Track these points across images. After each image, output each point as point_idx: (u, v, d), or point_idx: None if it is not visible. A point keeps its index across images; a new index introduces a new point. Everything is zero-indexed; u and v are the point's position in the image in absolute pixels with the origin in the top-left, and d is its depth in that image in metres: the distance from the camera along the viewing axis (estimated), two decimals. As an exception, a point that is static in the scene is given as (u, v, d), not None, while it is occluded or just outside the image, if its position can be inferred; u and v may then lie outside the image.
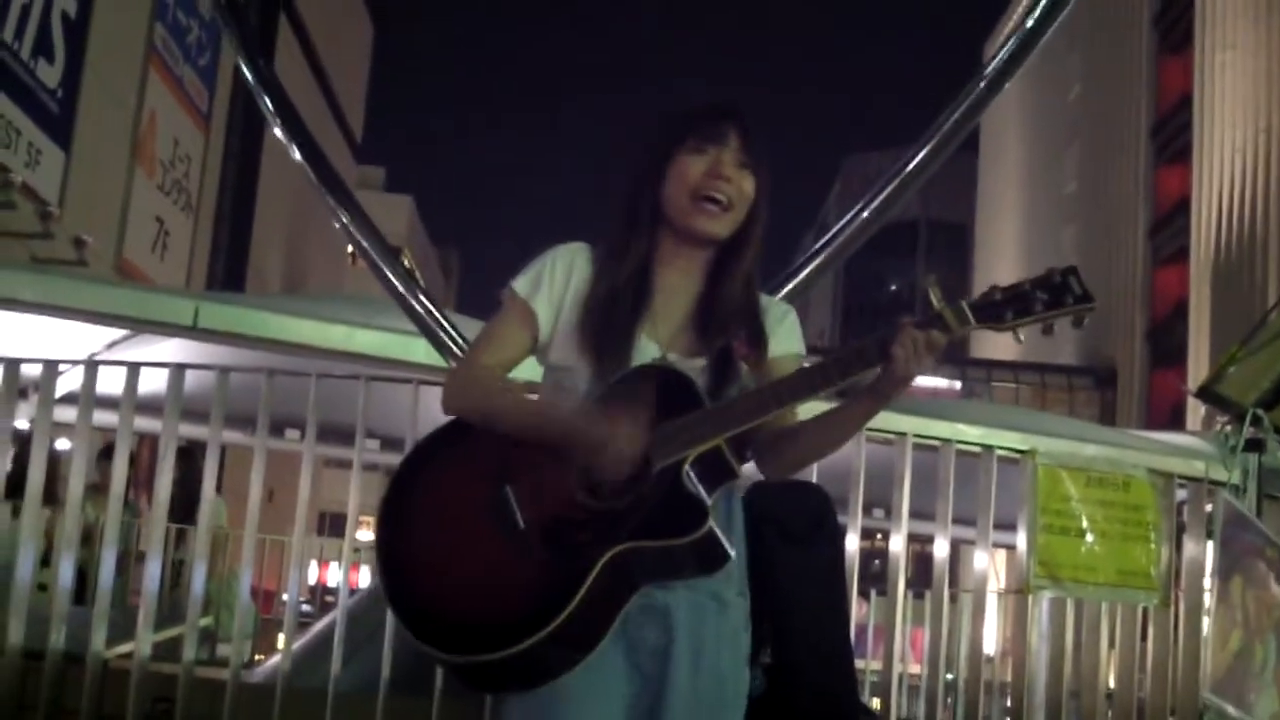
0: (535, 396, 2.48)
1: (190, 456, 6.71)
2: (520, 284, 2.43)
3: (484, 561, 2.20)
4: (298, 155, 4.87)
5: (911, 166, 4.53)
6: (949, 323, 2.19)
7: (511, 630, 2.11)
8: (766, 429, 2.28)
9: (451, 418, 2.38)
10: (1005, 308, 2.20)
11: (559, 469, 2.21)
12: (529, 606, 2.12)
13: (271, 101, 5.00)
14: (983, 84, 4.50)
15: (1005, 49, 4.54)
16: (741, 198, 2.37)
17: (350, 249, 5.31)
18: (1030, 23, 4.52)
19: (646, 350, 2.35)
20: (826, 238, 4.73)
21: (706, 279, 2.44)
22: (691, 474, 2.19)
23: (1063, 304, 2.19)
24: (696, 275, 2.44)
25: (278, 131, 4.97)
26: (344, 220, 4.74)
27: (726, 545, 2.19)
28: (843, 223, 4.70)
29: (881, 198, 4.59)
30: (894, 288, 58.40)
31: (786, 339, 2.47)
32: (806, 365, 2.33)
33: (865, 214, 4.61)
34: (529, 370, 2.51)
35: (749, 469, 2.34)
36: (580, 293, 2.40)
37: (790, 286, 4.55)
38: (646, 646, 2.26)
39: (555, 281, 2.42)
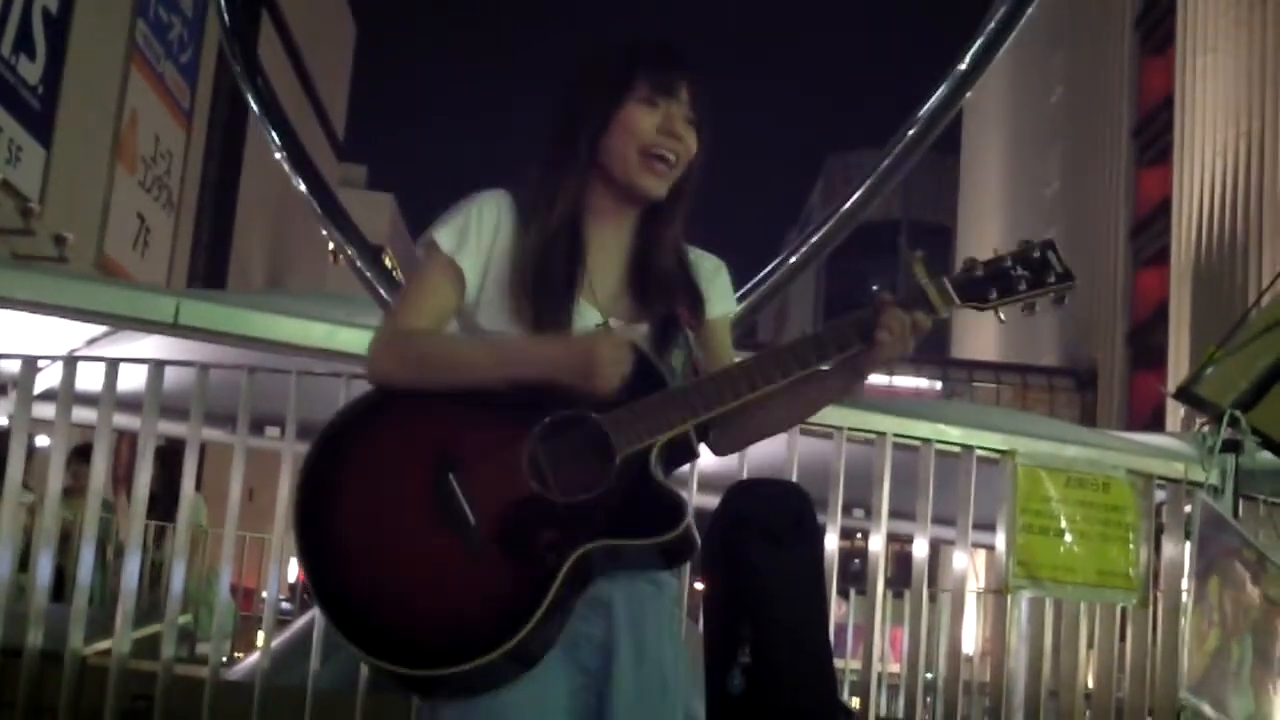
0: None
1: (171, 456, 6.67)
2: (443, 236, 2.16)
3: (432, 562, 1.98)
4: (303, 187, 4.86)
5: (843, 211, 4.60)
6: (933, 301, 2.12)
7: (473, 642, 1.93)
8: None
9: (364, 396, 2.13)
10: (988, 285, 2.16)
11: (509, 456, 2.00)
12: (491, 614, 1.94)
13: (277, 133, 4.99)
14: (913, 130, 4.58)
15: (937, 95, 4.61)
16: (686, 155, 2.20)
17: (331, 246, 5.31)
18: (963, 66, 4.60)
19: (586, 315, 2.16)
20: (782, 256, 4.75)
21: (637, 236, 2.26)
22: (660, 464, 2.04)
23: (1044, 283, 2.16)
24: (628, 231, 2.26)
25: (278, 156, 4.96)
26: (349, 253, 4.74)
27: (697, 539, 2.05)
28: (795, 244, 4.75)
29: (809, 245, 4.66)
30: (875, 287, 58.47)
31: (721, 299, 2.32)
32: (787, 344, 2.16)
33: (803, 252, 4.66)
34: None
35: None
36: (507, 247, 2.17)
37: (769, 284, 4.57)
38: (589, 642, 2.07)
39: (483, 233, 2.17)
